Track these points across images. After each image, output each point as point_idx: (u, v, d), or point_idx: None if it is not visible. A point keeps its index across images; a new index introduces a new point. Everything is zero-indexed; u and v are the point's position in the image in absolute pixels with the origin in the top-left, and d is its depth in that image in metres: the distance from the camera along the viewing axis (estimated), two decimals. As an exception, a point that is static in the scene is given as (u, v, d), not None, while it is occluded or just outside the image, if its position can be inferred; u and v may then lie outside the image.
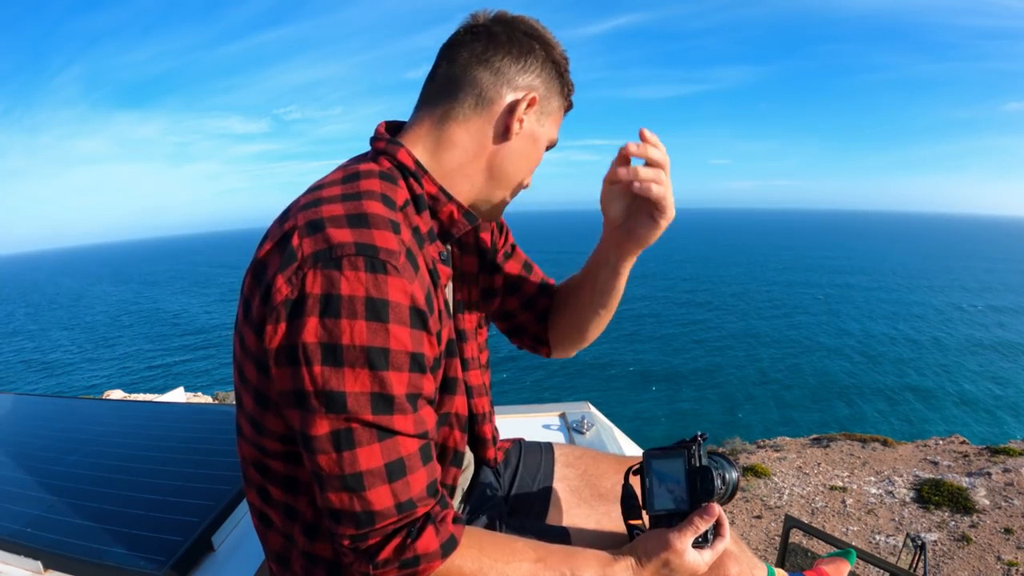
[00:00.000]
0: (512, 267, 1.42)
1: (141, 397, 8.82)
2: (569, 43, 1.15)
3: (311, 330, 0.82)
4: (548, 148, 1.16)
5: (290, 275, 0.84)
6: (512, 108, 1.05)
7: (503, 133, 1.07)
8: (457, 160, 1.07)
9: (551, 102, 1.10)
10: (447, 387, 1.07)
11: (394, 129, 1.13)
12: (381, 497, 0.87)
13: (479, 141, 1.07)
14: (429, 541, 0.90)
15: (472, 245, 1.33)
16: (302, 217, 0.89)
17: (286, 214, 0.95)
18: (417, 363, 0.89)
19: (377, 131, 1.11)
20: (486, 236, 1.35)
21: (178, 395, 3.59)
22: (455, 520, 0.96)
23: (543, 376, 27.26)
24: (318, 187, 0.97)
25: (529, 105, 1.06)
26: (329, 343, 0.82)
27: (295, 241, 0.86)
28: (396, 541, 0.89)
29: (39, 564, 1.45)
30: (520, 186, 1.15)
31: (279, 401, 0.90)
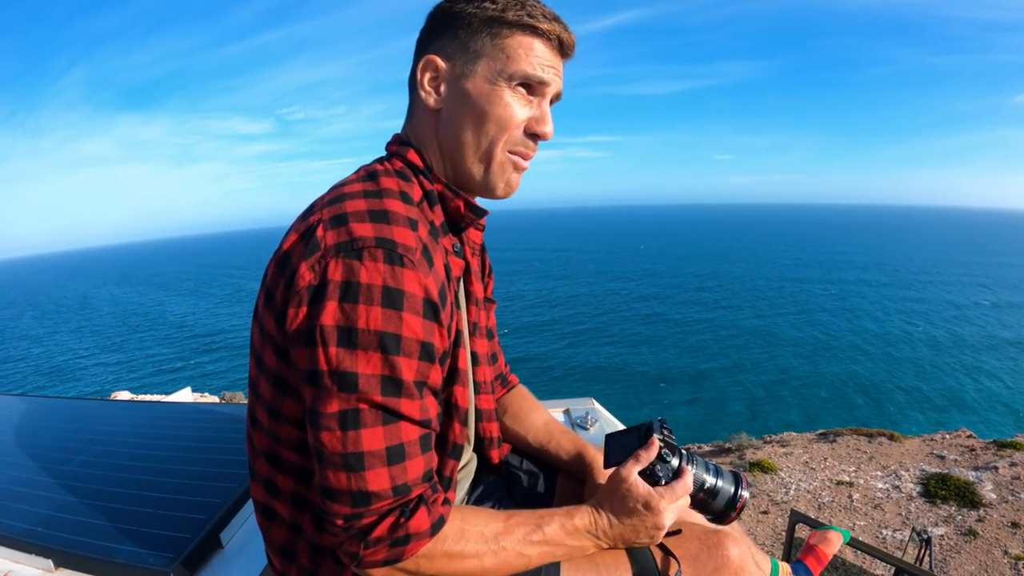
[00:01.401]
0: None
1: (148, 398, 8.85)
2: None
3: (329, 313, 0.87)
4: (521, 83, 1.05)
5: (313, 263, 0.89)
6: (420, 81, 1.08)
7: (427, 109, 1.09)
8: (430, 150, 1.11)
9: (470, 44, 1.03)
10: (451, 377, 1.08)
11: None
12: (378, 479, 0.90)
13: (426, 126, 1.11)
14: (421, 521, 0.93)
15: (480, 246, 1.33)
16: (327, 212, 0.94)
17: (310, 210, 0.99)
18: (427, 352, 0.92)
19: (394, 136, 1.16)
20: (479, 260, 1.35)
21: (185, 395, 3.61)
22: (445, 502, 0.99)
23: (561, 374, 27.23)
24: (340, 185, 1.02)
25: (426, 69, 1.07)
26: (345, 326, 0.87)
27: (319, 232, 0.91)
28: (390, 520, 0.91)
29: (50, 562, 1.47)
30: (490, 146, 1.06)
31: (297, 382, 0.94)
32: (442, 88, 1.06)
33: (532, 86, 1.06)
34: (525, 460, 1.53)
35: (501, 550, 1.01)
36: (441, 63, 1.05)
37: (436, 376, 0.96)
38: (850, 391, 23.93)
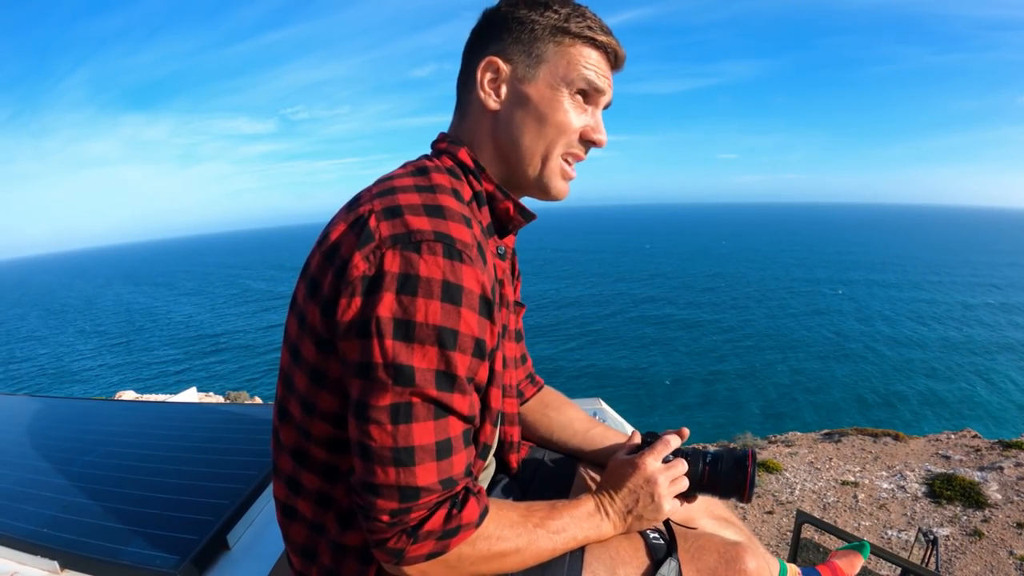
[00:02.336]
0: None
1: (153, 398, 8.86)
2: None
3: (387, 305, 0.86)
4: (580, 91, 1.09)
5: (368, 253, 0.88)
6: (479, 82, 1.09)
7: (484, 109, 1.10)
8: (484, 151, 1.12)
9: (533, 50, 1.06)
10: (489, 378, 1.09)
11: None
12: (428, 473, 0.90)
13: (482, 126, 1.12)
14: (472, 511, 0.95)
15: (512, 248, 1.35)
16: (378, 203, 0.93)
17: (356, 201, 0.99)
18: (479, 349, 0.93)
19: (441, 134, 1.17)
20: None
21: (190, 395, 3.62)
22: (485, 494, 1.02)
23: (573, 375, 27.18)
24: (389, 178, 1.02)
25: (487, 70, 1.08)
26: (403, 319, 0.86)
27: (372, 223, 0.90)
28: (443, 512, 0.93)
29: (56, 564, 1.47)
30: (549, 149, 1.10)
31: (341, 374, 0.93)
32: (502, 90, 1.08)
33: (589, 94, 1.10)
34: (546, 455, 1.55)
35: (529, 533, 1.03)
36: (503, 65, 1.07)
37: (484, 373, 0.98)
38: (864, 392, 23.85)
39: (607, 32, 1.09)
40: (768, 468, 5.32)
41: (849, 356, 29.34)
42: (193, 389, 3.71)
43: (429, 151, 1.16)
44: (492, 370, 1.08)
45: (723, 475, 1.21)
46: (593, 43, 1.07)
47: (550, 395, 1.62)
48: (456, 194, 1.00)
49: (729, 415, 21.38)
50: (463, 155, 1.10)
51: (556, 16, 1.05)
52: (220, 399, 10.54)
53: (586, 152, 1.15)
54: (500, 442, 1.35)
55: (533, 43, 1.06)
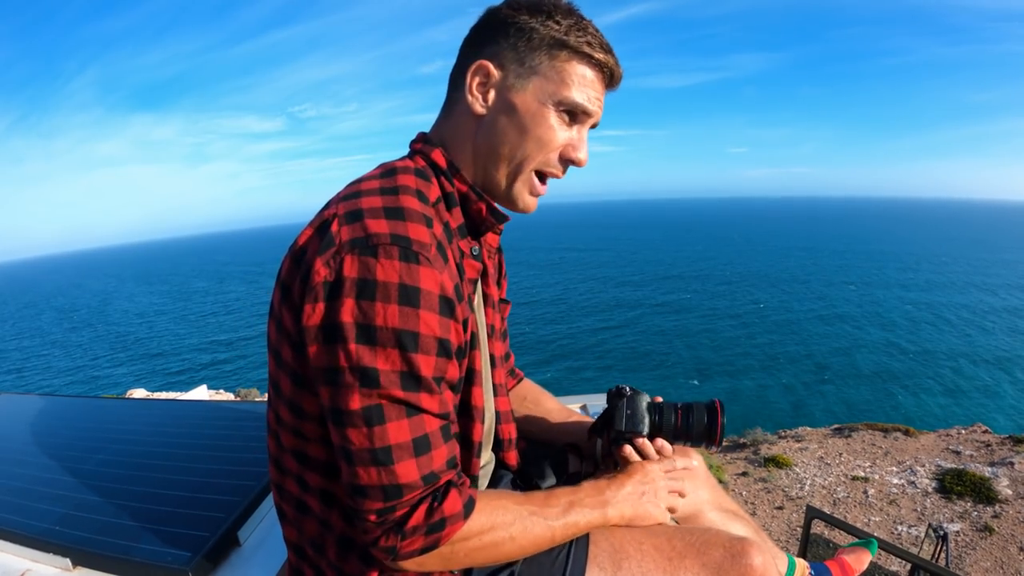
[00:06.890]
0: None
1: (164, 396, 8.89)
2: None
3: (347, 310, 0.88)
4: (567, 110, 1.07)
5: (328, 258, 0.90)
6: (468, 85, 1.08)
7: (469, 112, 1.09)
8: (462, 152, 1.12)
9: (527, 60, 1.05)
10: (470, 378, 1.10)
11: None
12: (408, 470, 0.91)
13: (464, 128, 1.11)
14: (454, 503, 0.95)
15: (496, 250, 1.36)
16: (342, 207, 0.95)
17: (327, 205, 1.00)
18: (444, 348, 0.93)
19: (419, 134, 1.17)
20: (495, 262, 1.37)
21: (201, 393, 3.64)
22: (472, 486, 1.02)
23: (591, 376, 26.97)
24: (358, 181, 1.03)
25: (477, 73, 1.07)
26: (364, 323, 0.88)
27: (334, 228, 0.92)
28: (424, 507, 0.93)
29: (68, 561, 1.47)
30: (524, 162, 1.09)
31: (313, 379, 0.94)
32: (490, 95, 1.07)
33: (576, 114, 1.09)
34: (542, 458, 1.55)
35: (526, 521, 1.04)
36: (494, 71, 1.06)
37: (453, 371, 0.98)
38: (923, 394, 23.20)
39: (606, 49, 1.07)
40: (778, 463, 5.31)
41: (907, 365, 28.23)
42: (204, 387, 3.73)
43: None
44: (471, 369, 1.09)
45: (694, 423, 1.27)
46: (590, 60, 1.06)
47: (527, 387, 1.66)
48: (420, 195, 1.00)
49: (755, 406, 21.04)
50: (436, 156, 1.10)
51: (557, 28, 1.03)
52: (231, 397, 10.58)
53: (564, 170, 1.14)
54: (498, 440, 1.36)
55: (529, 53, 1.04)
